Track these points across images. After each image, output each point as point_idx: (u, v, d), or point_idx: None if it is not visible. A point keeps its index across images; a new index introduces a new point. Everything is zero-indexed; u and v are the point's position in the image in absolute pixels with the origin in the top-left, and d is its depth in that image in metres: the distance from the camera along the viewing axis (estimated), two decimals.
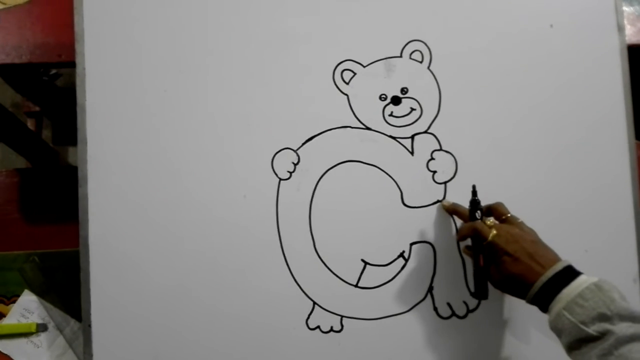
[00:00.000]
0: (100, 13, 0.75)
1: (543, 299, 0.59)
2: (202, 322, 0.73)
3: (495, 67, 0.76)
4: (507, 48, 0.76)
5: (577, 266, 0.59)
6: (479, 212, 0.68)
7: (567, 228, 0.74)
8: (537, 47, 0.77)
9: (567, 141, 0.76)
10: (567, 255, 0.61)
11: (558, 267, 0.59)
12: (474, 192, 0.69)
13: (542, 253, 0.61)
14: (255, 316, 0.73)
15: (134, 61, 0.74)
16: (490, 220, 0.67)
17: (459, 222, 0.74)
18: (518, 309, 0.74)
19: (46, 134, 1.64)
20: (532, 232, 0.65)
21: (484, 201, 0.69)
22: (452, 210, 0.73)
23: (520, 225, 0.66)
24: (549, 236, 0.64)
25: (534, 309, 0.61)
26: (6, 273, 0.87)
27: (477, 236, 0.65)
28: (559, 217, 0.75)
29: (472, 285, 0.71)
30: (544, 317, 0.60)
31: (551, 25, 0.77)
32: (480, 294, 0.67)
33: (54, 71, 1.52)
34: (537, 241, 0.64)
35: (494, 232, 0.64)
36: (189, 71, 0.74)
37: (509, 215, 0.67)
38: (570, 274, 0.59)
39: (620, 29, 0.78)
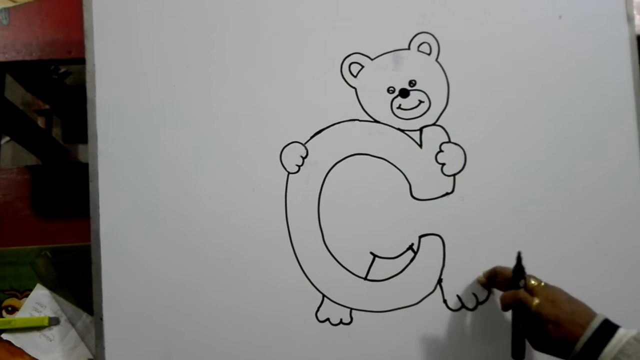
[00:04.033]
0: (109, 9, 0.75)
1: (586, 359, 0.59)
2: (212, 314, 0.73)
3: (504, 58, 0.76)
4: (516, 39, 0.76)
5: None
6: (522, 280, 0.65)
7: (577, 220, 0.74)
8: (546, 39, 0.76)
9: (576, 132, 0.75)
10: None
11: (595, 324, 0.59)
12: (519, 259, 0.66)
13: (579, 311, 0.61)
14: (264, 309, 0.73)
15: (142, 56, 0.75)
16: (534, 280, 0.66)
17: (467, 213, 0.73)
18: None
19: (56, 131, 1.65)
20: (562, 290, 0.65)
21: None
22: (488, 280, 0.72)
23: (549, 286, 0.65)
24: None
25: None
26: (19, 268, 0.88)
27: (520, 305, 0.64)
28: (569, 209, 0.74)
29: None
30: None
31: (560, 16, 0.77)
32: (518, 354, 0.67)
33: (63, 69, 1.53)
34: (571, 299, 0.63)
35: (537, 301, 0.63)
36: (197, 66, 0.75)
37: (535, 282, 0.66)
38: (608, 328, 0.59)
39: (630, 19, 0.77)
